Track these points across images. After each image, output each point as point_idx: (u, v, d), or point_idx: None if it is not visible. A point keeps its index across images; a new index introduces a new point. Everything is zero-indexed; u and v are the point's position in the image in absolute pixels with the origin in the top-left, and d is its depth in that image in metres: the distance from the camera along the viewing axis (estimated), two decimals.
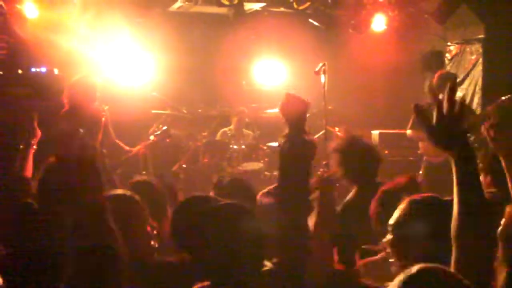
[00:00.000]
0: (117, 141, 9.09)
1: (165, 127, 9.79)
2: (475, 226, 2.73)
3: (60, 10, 10.15)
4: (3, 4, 9.32)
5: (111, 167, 9.38)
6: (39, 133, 5.96)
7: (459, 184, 2.77)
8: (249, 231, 3.34)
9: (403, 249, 3.20)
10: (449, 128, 2.83)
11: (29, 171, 5.58)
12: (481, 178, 3.96)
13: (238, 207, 3.51)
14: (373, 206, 4.18)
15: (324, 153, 7.58)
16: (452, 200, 2.81)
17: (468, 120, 9.16)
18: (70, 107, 8.53)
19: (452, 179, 2.78)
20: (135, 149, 9.28)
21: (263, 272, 3.41)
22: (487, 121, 8.14)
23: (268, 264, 3.56)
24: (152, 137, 9.52)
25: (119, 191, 3.97)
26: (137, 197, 3.86)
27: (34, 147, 5.85)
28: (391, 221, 3.29)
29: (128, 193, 3.94)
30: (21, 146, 5.82)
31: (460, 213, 2.75)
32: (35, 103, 9.14)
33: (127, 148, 9.21)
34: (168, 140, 10.18)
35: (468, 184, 2.77)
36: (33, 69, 9.49)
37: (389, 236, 3.27)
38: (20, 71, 9.46)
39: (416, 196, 3.37)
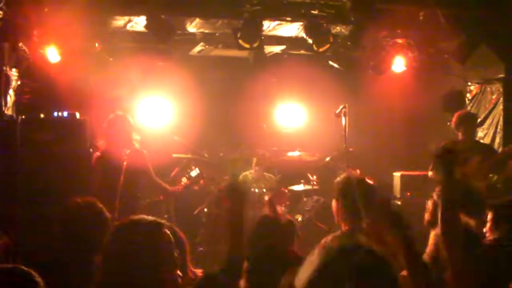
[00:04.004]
0: (157, 179, 9.23)
1: (197, 170, 9.87)
2: None
3: (82, 55, 10.26)
4: (26, 49, 9.43)
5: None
6: None
7: None
8: None
9: None
10: None
11: None
12: None
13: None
14: None
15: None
16: None
17: (491, 159, 9.14)
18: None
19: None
20: (172, 188, 9.42)
21: None
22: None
23: None
24: (184, 179, 9.60)
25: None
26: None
27: None
28: None
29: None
30: None
31: None
32: (58, 147, 9.21)
33: (166, 186, 9.35)
34: (201, 182, 10.26)
35: None
36: (55, 113, 9.56)
37: None
38: (42, 116, 9.54)
39: None
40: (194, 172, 9.82)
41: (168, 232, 3.62)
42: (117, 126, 8.82)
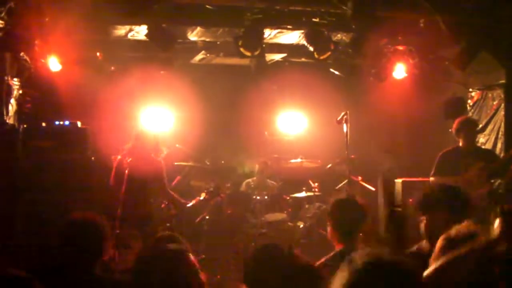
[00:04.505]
0: (172, 192, 9.29)
1: (212, 188, 9.97)
2: None
3: (84, 64, 10.28)
4: (27, 59, 9.45)
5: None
6: None
7: None
8: None
9: None
10: None
11: None
12: None
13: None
14: None
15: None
16: None
17: (493, 165, 9.14)
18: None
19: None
20: (192, 201, 9.48)
21: None
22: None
23: None
24: (203, 194, 9.67)
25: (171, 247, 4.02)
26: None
27: None
28: None
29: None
30: None
31: None
32: (59, 156, 9.24)
33: (183, 200, 9.39)
34: (219, 198, 10.34)
35: None
36: (56, 122, 9.59)
37: None
38: (44, 124, 9.56)
39: None
40: (212, 188, 9.94)
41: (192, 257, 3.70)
42: (142, 138, 8.98)
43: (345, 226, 5.62)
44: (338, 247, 5.62)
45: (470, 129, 9.50)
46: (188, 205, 9.79)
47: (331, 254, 5.65)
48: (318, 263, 5.54)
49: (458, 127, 9.41)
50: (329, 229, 5.72)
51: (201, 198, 9.94)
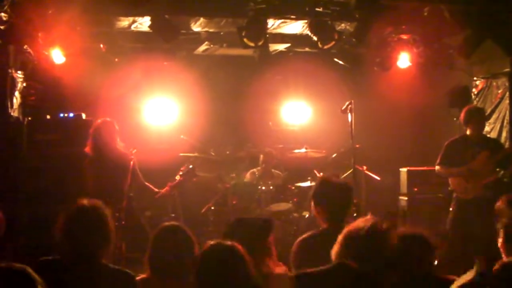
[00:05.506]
0: (146, 183, 9.16)
1: (190, 166, 9.85)
2: None
3: (87, 56, 10.28)
4: (31, 51, 9.45)
5: (139, 210, 9.42)
6: None
7: None
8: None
9: None
10: None
11: None
12: None
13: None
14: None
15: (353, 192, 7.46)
16: None
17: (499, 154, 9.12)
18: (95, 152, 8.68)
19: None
20: (163, 190, 9.33)
21: None
22: None
23: None
24: (177, 177, 9.58)
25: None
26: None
27: None
28: None
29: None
30: None
31: None
32: (64, 148, 9.25)
33: (156, 189, 9.27)
34: (194, 180, 10.22)
35: None
36: (61, 115, 9.59)
37: None
38: (48, 117, 9.57)
39: None
40: (186, 169, 9.80)
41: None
42: (103, 131, 8.82)
43: (335, 209, 5.59)
44: (323, 226, 5.62)
45: (480, 118, 9.48)
46: (159, 194, 9.55)
47: (315, 231, 5.64)
48: (300, 238, 5.56)
49: (467, 116, 9.36)
50: (314, 208, 5.69)
51: (175, 182, 9.76)
